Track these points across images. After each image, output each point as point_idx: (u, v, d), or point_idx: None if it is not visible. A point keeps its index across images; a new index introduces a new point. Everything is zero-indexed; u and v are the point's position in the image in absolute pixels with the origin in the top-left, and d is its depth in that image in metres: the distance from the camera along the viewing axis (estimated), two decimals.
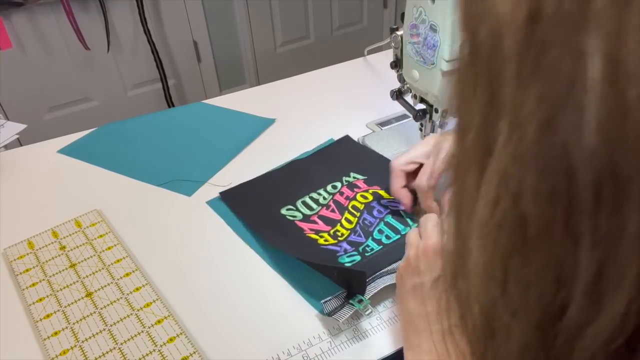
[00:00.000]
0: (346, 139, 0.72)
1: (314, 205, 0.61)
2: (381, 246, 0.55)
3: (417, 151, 0.55)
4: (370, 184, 0.63)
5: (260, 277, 0.52)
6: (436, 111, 0.62)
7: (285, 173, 0.67)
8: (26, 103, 1.72)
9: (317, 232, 0.57)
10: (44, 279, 0.53)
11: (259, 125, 0.79)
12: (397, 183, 0.56)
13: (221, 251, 0.56)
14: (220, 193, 0.64)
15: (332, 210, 0.60)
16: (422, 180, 0.54)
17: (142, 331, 0.47)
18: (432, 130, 0.66)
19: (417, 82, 0.60)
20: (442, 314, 0.34)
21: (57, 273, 0.54)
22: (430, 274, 0.40)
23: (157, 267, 0.54)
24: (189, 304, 0.50)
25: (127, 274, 0.53)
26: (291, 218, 0.59)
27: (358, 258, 0.53)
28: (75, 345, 0.46)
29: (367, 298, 0.46)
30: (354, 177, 0.65)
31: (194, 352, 0.45)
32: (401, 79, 0.66)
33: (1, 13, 1.52)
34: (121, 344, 0.46)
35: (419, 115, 0.64)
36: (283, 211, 0.60)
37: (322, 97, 0.86)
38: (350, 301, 0.46)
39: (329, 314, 0.45)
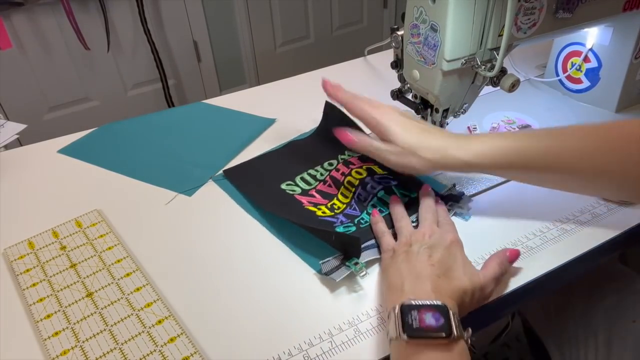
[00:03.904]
0: (332, 109, 0.71)
1: (312, 181, 0.65)
2: None
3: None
4: (364, 161, 0.65)
5: (260, 277, 0.52)
6: (436, 111, 0.62)
7: (284, 152, 0.71)
8: (26, 103, 1.72)
9: (315, 204, 0.61)
10: (44, 279, 0.53)
11: (259, 125, 0.79)
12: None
13: (221, 251, 0.56)
14: (224, 171, 0.68)
15: (329, 185, 0.63)
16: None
17: (143, 331, 0.47)
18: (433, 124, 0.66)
19: (417, 82, 0.60)
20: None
21: (57, 273, 0.54)
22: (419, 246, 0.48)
23: (157, 267, 0.54)
24: (190, 304, 0.50)
25: (128, 274, 0.53)
26: (290, 192, 0.63)
27: (353, 228, 0.56)
28: (76, 346, 0.46)
29: (362, 262, 0.50)
30: (349, 155, 0.67)
31: (195, 352, 0.45)
32: (401, 79, 0.66)
33: (1, 13, 1.52)
34: (122, 344, 0.46)
35: (421, 108, 0.64)
36: (283, 186, 0.64)
37: (322, 97, 0.86)
38: (347, 263, 0.50)
39: (326, 274, 0.49)
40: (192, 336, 0.47)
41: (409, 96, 0.67)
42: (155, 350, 0.45)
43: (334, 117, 0.71)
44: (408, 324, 0.39)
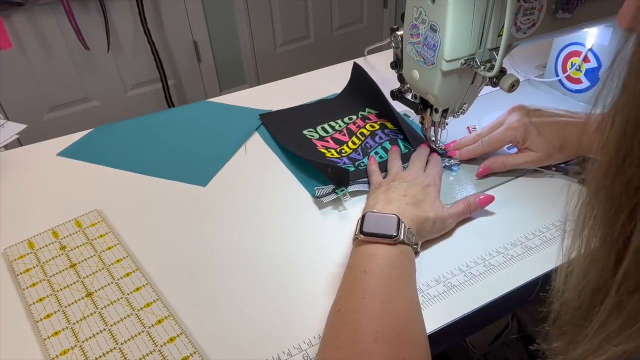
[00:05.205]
0: (359, 70, 0.81)
1: (330, 130, 0.75)
2: None
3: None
4: (380, 117, 0.76)
5: (260, 277, 0.53)
6: (436, 111, 0.62)
7: (312, 106, 0.82)
8: (26, 103, 1.72)
9: (326, 148, 0.71)
10: (44, 279, 0.53)
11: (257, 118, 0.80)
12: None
13: (221, 251, 0.56)
14: (260, 115, 0.79)
15: (343, 135, 0.74)
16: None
17: (143, 331, 0.47)
18: (432, 125, 0.66)
19: (417, 82, 0.60)
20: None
21: (57, 273, 0.54)
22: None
23: (157, 267, 0.55)
24: (189, 304, 0.50)
25: (128, 274, 0.53)
26: (309, 137, 0.73)
27: (352, 168, 0.66)
28: (76, 345, 0.46)
29: (347, 189, 0.61)
30: (368, 112, 0.78)
31: (194, 352, 0.45)
32: (401, 79, 0.66)
33: (1, 13, 1.52)
34: (121, 344, 0.46)
35: (420, 108, 0.64)
36: (304, 132, 0.75)
37: (321, 97, 0.86)
38: (336, 191, 0.61)
39: (317, 197, 0.60)
40: (192, 336, 0.47)
41: (409, 96, 0.67)
42: (154, 350, 0.45)
43: (359, 79, 0.80)
44: (366, 226, 0.48)
